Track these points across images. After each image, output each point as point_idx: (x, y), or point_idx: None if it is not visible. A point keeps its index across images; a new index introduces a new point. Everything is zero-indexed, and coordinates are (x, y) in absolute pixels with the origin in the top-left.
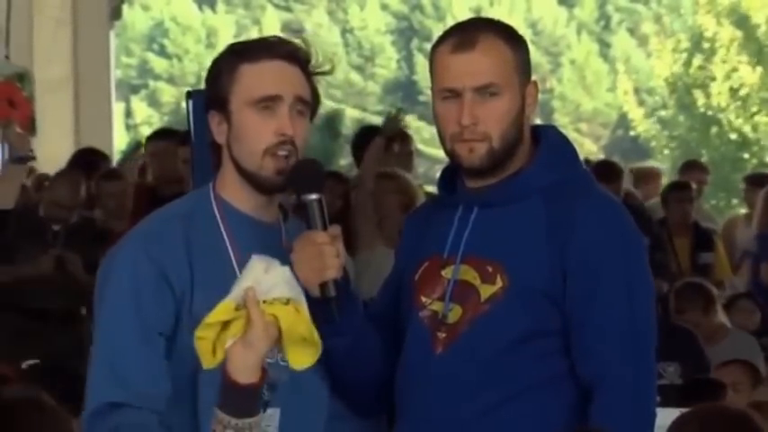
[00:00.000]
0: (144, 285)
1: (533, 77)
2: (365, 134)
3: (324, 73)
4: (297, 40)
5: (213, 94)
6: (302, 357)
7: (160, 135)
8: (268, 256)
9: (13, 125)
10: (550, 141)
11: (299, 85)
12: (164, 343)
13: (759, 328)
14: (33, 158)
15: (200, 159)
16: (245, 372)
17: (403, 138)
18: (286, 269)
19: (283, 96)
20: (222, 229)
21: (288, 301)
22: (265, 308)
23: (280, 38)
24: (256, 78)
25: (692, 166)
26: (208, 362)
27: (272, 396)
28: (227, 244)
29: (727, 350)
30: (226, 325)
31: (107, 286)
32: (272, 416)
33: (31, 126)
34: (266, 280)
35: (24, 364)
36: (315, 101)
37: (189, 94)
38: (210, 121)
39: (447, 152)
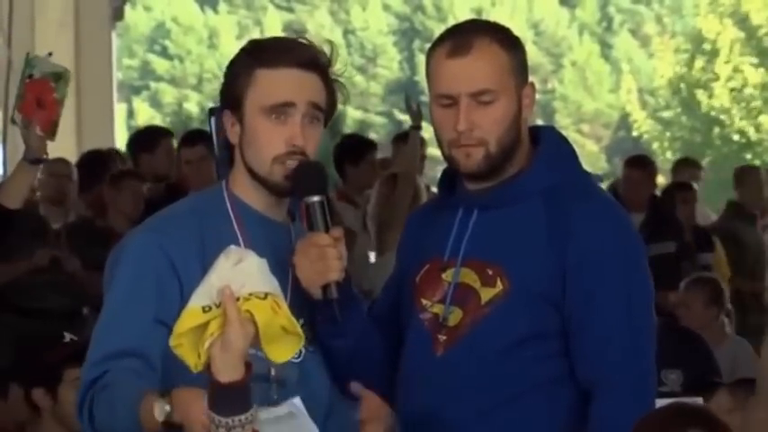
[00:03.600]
0: (149, 272)
1: (530, 79)
2: (354, 145)
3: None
4: (317, 44)
5: (228, 94)
6: (281, 351)
7: None
8: (262, 251)
9: (35, 126)
10: (549, 142)
11: (315, 91)
12: (163, 330)
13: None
14: (46, 161)
15: (224, 173)
16: (226, 371)
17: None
18: (261, 261)
19: (296, 103)
20: (235, 226)
21: (266, 296)
22: (241, 305)
23: (299, 42)
24: (271, 85)
25: (684, 164)
26: (194, 365)
27: (281, 393)
28: (240, 241)
29: (725, 354)
30: (205, 325)
31: (115, 271)
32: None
33: (52, 130)
34: (236, 275)
35: None
36: (331, 106)
37: (211, 111)
38: (225, 121)
39: (445, 157)
